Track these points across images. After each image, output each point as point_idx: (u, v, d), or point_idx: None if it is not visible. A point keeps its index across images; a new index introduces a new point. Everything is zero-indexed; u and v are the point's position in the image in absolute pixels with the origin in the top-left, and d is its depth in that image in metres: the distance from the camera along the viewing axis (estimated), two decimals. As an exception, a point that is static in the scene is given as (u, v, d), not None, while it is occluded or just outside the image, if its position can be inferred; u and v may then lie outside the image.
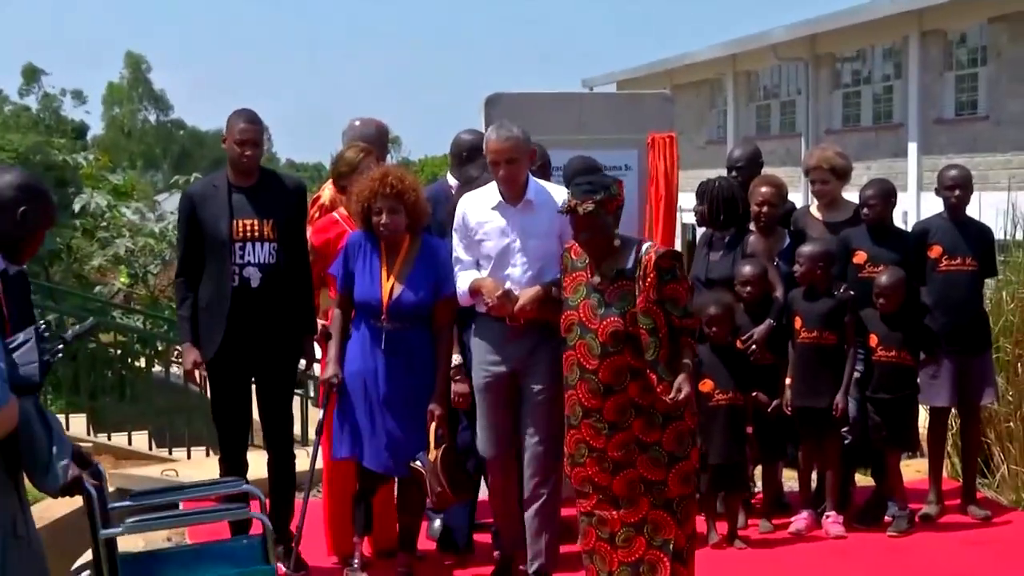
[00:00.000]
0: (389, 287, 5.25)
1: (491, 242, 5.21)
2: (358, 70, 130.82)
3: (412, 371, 5.25)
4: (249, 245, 5.48)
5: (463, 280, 5.26)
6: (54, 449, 3.30)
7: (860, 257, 6.40)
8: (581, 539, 4.80)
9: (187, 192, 5.80)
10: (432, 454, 5.19)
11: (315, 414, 7.55)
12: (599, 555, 4.71)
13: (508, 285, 5.15)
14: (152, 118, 70.15)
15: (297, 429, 7.12)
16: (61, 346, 3.56)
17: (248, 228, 5.49)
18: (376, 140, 6.15)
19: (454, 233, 5.34)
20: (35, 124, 49.35)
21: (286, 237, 5.54)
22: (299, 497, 5.63)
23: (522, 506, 5.35)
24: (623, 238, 4.71)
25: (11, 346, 3.28)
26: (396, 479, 5.52)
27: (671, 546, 4.60)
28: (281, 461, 5.72)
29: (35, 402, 3.30)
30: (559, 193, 5.19)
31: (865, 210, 6.41)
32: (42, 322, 3.53)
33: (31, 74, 63.42)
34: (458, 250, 5.31)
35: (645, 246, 4.65)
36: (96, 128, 67.83)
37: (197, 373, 5.67)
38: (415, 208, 5.28)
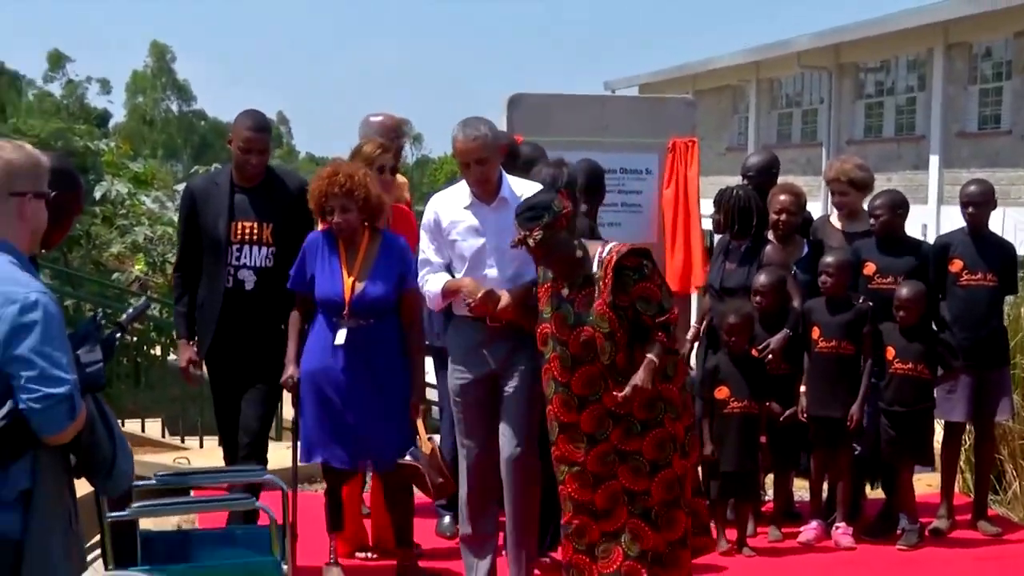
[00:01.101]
0: (350, 283, 5.18)
1: (465, 242, 5.00)
2: (381, 65, 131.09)
3: (373, 367, 5.18)
4: (247, 248, 5.43)
5: (435, 283, 5.04)
6: (117, 453, 3.18)
7: (869, 268, 6.36)
8: (561, 551, 4.75)
9: (189, 186, 5.73)
10: (426, 446, 5.15)
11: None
12: (576, 568, 4.65)
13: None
14: (174, 107, 70.52)
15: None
16: (119, 334, 3.51)
17: (247, 231, 5.44)
18: (391, 136, 6.06)
19: (423, 234, 5.14)
20: (58, 110, 49.54)
21: (285, 240, 5.43)
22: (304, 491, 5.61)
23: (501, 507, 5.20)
24: (585, 246, 4.62)
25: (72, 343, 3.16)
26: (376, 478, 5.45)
27: (649, 556, 4.54)
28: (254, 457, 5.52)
29: (97, 401, 3.18)
30: (534, 189, 5.05)
31: (872, 220, 6.38)
32: (99, 311, 3.43)
33: (56, 60, 63.74)
34: (428, 252, 5.10)
35: (608, 247, 4.57)
36: (119, 116, 68.30)
37: (191, 368, 5.63)
38: (367, 204, 5.19)
